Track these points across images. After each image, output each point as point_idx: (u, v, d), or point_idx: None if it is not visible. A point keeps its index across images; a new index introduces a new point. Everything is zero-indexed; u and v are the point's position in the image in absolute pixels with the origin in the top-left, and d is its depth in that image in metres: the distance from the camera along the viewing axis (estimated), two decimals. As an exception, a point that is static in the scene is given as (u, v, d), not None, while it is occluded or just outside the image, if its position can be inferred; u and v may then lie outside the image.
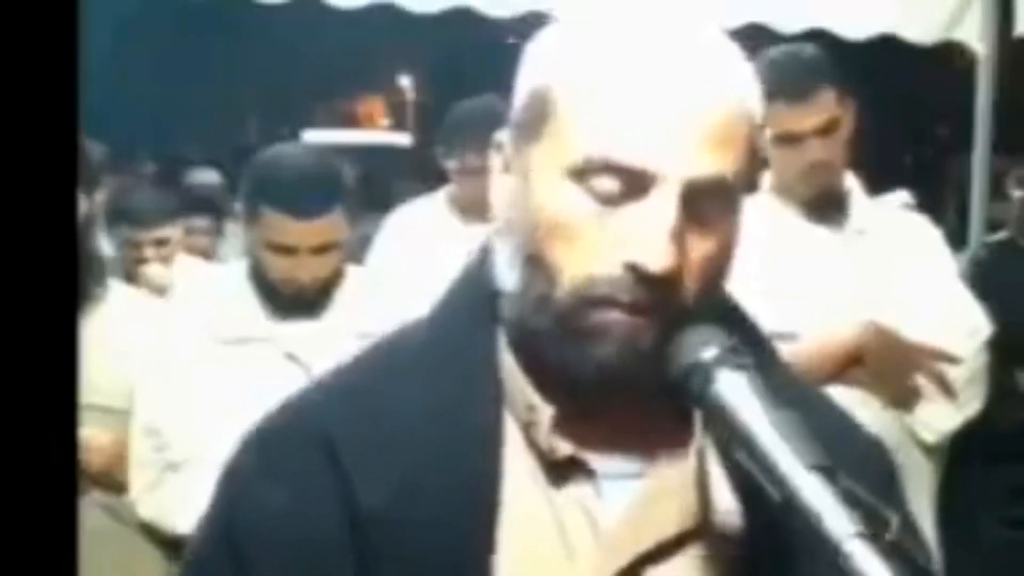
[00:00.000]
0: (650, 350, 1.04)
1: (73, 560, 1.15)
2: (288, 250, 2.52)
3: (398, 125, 25.18)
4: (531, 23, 3.62)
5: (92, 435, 2.51)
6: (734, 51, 1.09)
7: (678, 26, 1.08)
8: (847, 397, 2.41)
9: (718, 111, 1.04)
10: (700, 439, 1.11)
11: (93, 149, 3.20)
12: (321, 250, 2.53)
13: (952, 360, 2.74)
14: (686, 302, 1.05)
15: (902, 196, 3.01)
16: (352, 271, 2.71)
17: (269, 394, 1.21)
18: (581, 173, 1.04)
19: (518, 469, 1.10)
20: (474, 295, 1.15)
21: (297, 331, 2.57)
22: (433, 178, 4.04)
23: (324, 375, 1.20)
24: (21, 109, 1.14)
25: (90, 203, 2.62)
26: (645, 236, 1.03)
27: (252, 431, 1.17)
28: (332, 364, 1.20)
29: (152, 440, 2.57)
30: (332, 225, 2.53)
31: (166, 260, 3.81)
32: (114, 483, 2.59)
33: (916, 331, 2.73)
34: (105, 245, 3.50)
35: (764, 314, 1.22)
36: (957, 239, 3.75)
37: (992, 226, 4.19)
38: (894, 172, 8.40)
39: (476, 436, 1.09)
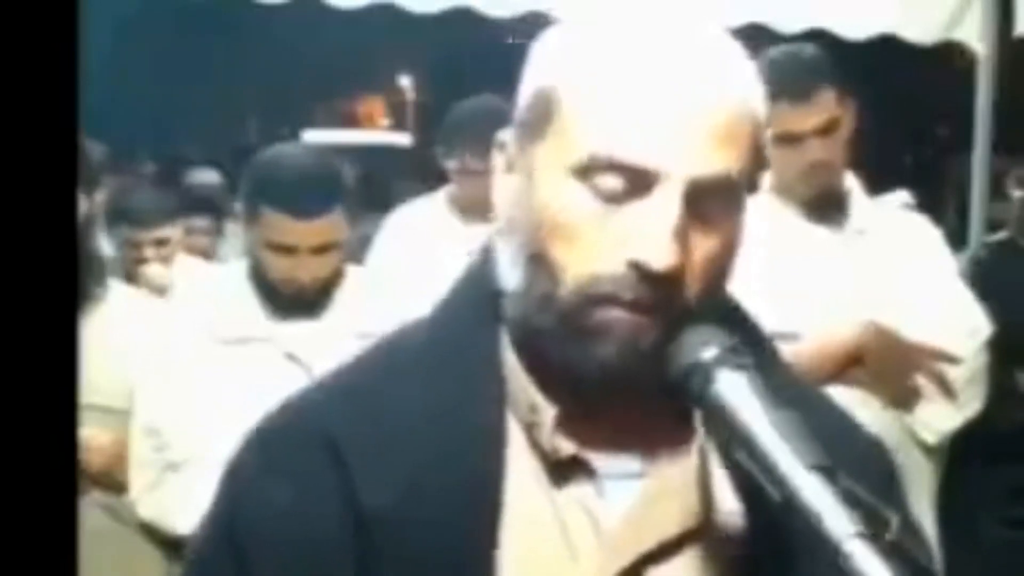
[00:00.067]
0: (652, 349, 1.04)
1: (73, 560, 1.15)
2: (288, 250, 2.52)
3: (398, 125, 25.18)
4: (531, 23, 3.63)
5: (92, 435, 2.51)
6: (737, 50, 1.09)
7: (681, 26, 1.08)
8: (847, 397, 2.41)
9: (721, 110, 1.05)
10: (702, 439, 1.11)
11: (93, 149, 3.20)
12: (321, 250, 2.53)
13: (952, 360, 2.74)
14: (689, 301, 1.05)
15: (902, 196, 3.01)
16: (352, 271, 2.71)
17: (269, 394, 1.21)
18: (585, 171, 1.04)
19: (520, 469, 1.10)
20: (476, 294, 1.15)
21: (297, 331, 2.57)
22: (433, 178, 4.04)
23: (326, 375, 1.20)
24: (21, 109, 1.14)
25: (90, 203, 2.62)
26: (649, 234, 1.03)
27: (254, 431, 1.17)
28: (333, 364, 1.20)
29: (152, 440, 2.57)
30: (332, 225, 2.54)
31: (166, 260, 3.81)
32: (114, 483, 2.59)
33: (916, 331, 2.73)
34: (105, 245, 3.50)
35: (764, 314, 1.22)
36: (957, 239, 3.75)
37: (992, 226, 4.19)
38: (894, 172, 8.40)
39: (478, 436, 1.09)
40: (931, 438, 2.78)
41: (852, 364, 2.70)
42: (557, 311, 1.06)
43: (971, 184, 4.19)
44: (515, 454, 1.10)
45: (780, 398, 1.01)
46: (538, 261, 1.07)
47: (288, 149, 2.80)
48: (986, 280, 3.34)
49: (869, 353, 2.71)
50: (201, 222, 4.53)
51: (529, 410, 1.10)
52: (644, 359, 1.04)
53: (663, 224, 1.03)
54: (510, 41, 12.06)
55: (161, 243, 3.83)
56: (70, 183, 1.21)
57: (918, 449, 2.78)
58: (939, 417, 2.77)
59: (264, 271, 2.58)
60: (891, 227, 2.85)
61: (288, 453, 1.13)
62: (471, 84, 4.03)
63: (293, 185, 2.52)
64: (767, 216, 2.73)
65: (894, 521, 0.95)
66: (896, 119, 12.47)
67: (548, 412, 1.09)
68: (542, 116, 1.08)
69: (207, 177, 6.42)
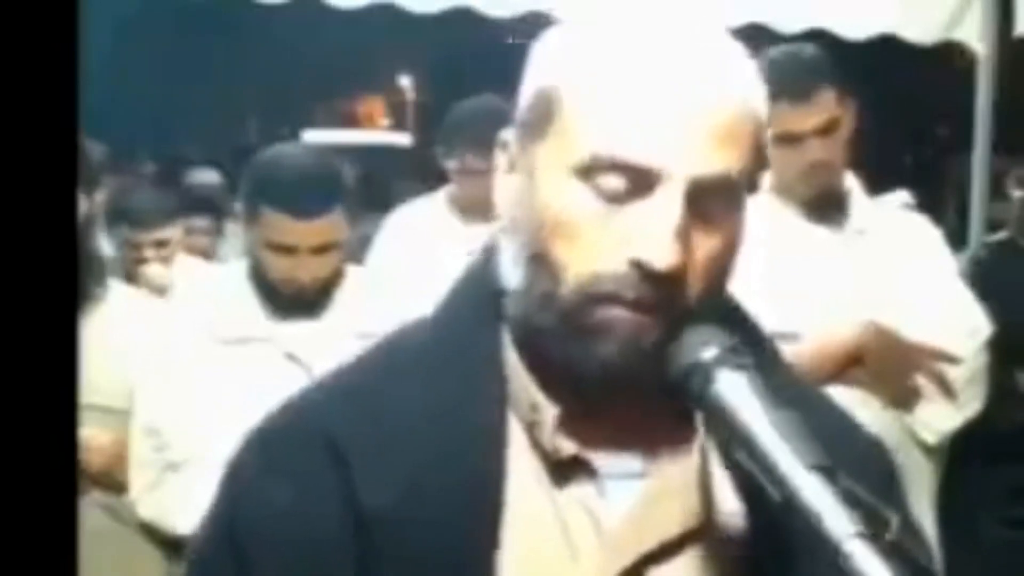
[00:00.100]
0: (653, 348, 1.04)
1: (73, 560, 1.15)
2: (288, 250, 2.52)
3: (398, 125, 25.17)
4: (531, 23, 3.63)
5: (92, 435, 2.51)
6: (738, 50, 1.10)
7: (682, 26, 1.08)
8: (847, 397, 2.41)
9: (723, 110, 1.05)
10: (703, 439, 1.11)
11: (93, 149, 3.20)
12: (321, 250, 2.53)
13: (952, 360, 2.74)
14: (690, 301, 1.06)
15: (902, 196, 3.01)
16: (352, 271, 2.71)
17: (269, 394, 1.21)
18: (587, 171, 1.05)
19: (521, 469, 1.10)
20: (478, 294, 1.15)
21: (297, 331, 2.57)
22: (433, 178, 4.04)
23: (326, 375, 1.20)
24: (21, 109, 1.14)
25: (90, 203, 2.62)
26: (650, 233, 1.03)
27: (254, 431, 1.17)
28: (333, 364, 1.20)
29: (152, 440, 2.57)
30: (332, 225, 2.54)
31: (166, 260, 3.81)
32: (114, 483, 2.59)
33: (916, 331, 2.73)
34: (105, 245, 3.50)
35: (764, 314, 1.22)
36: (957, 239, 3.75)
37: (992, 226, 4.19)
38: (894, 172, 8.40)
39: (479, 436, 1.10)
40: (931, 438, 2.78)
41: (852, 364, 2.70)
42: (558, 310, 1.06)
43: (971, 184, 4.19)
44: (516, 454, 1.10)
45: (780, 398, 1.01)
46: (540, 260, 1.07)
47: (288, 149, 2.80)
48: (986, 280, 3.34)
49: (869, 353, 2.71)
50: (201, 222, 4.54)
51: (530, 409, 1.10)
52: (645, 358, 1.05)
53: (665, 223, 1.03)
54: (510, 41, 12.07)
55: (161, 243, 3.83)
56: (70, 183, 1.21)
57: (918, 449, 2.78)
58: (939, 417, 2.77)
59: (264, 271, 2.58)
60: (891, 227, 2.85)
61: (289, 453, 1.13)
62: (471, 84, 4.03)
63: (293, 185, 2.52)
64: (767, 216, 2.73)
65: (894, 521, 0.95)
66: (896, 119, 12.47)
67: (549, 411, 1.09)
68: (544, 116, 1.08)
69: (207, 177, 6.42)
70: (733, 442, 1.01)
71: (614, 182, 1.04)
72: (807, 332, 2.62)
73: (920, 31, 4.19)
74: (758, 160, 1.09)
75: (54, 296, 1.15)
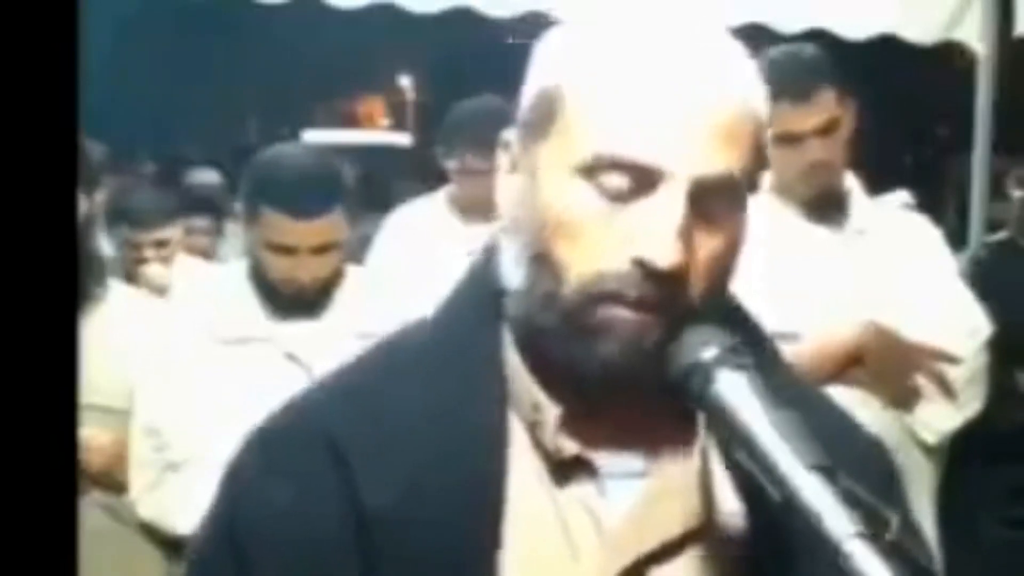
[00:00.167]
0: (655, 348, 1.05)
1: (73, 560, 1.15)
2: (288, 250, 2.52)
3: (398, 125, 25.17)
4: (531, 23, 3.63)
5: (92, 435, 2.51)
6: (739, 50, 1.10)
7: (683, 25, 1.08)
8: (847, 397, 2.41)
9: (725, 109, 1.05)
10: (704, 439, 1.11)
11: (93, 149, 3.20)
12: (321, 250, 2.53)
13: (952, 360, 2.74)
14: (692, 300, 1.06)
15: (902, 196, 3.01)
16: (352, 271, 2.71)
17: (269, 394, 1.21)
18: (590, 170, 1.05)
19: (522, 468, 1.10)
20: (479, 293, 1.16)
21: (297, 331, 2.57)
22: (433, 178, 4.04)
23: (327, 375, 1.20)
24: (21, 109, 1.14)
25: (90, 203, 2.62)
26: (653, 232, 1.03)
27: (255, 431, 1.17)
28: (333, 364, 1.20)
29: (152, 440, 2.57)
30: (332, 225, 2.53)
31: (166, 260, 3.81)
32: (114, 483, 2.59)
33: (916, 331, 2.73)
34: (105, 245, 3.50)
35: (764, 314, 1.22)
36: (957, 239, 3.75)
37: (992, 226, 4.19)
38: (894, 172, 8.39)
39: (480, 436, 1.10)
40: (931, 438, 2.78)
41: (852, 364, 2.70)
42: (560, 310, 1.06)
43: (971, 184, 4.19)
44: (517, 453, 1.10)
45: (780, 398, 1.01)
46: (542, 260, 1.07)
47: (288, 149, 2.80)
48: (986, 280, 3.34)
49: (869, 353, 2.71)
50: (201, 222, 4.53)
51: (532, 409, 1.10)
52: (647, 358, 1.05)
53: (668, 222, 1.03)
54: (510, 41, 12.07)
55: (161, 243, 3.83)
56: (70, 183, 1.21)
57: (918, 449, 2.78)
58: (939, 417, 2.77)
59: (264, 271, 2.58)
60: (891, 227, 2.85)
61: (289, 453, 1.13)
62: (471, 84, 4.03)
63: (293, 185, 2.52)
64: (767, 216, 2.73)
65: (894, 521, 0.95)
66: (896, 119, 12.47)
67: (551, 411, 1.09)
68: (546, 116, 1.08)
69: (207, 177, 6.42)
70: (733, 442, 1.01)
71: (617, 181, 1.04)
72: (807, 332, 2.62)
73: (920, 31, 4.19)
74: (759, 160, 1.09)
75: (54, 296, 1.15)
